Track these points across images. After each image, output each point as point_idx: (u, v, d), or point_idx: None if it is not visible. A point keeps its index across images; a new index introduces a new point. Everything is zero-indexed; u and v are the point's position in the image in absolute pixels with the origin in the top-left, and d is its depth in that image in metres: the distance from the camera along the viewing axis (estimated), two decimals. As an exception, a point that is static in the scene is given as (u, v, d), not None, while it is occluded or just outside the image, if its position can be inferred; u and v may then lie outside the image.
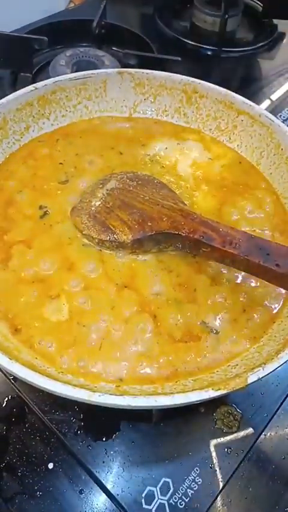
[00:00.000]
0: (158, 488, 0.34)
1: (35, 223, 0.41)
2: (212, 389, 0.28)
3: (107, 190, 0.41)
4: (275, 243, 0.34)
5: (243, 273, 0.38)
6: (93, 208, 0.40)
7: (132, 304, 0.36)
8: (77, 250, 0.39)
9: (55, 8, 0.82)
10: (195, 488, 0.34)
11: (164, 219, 0.37)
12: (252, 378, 0.29)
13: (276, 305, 0.37)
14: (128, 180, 0.42)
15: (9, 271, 0.37)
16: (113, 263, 0.38)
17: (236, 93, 0.49)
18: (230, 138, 0.50)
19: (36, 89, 0.46)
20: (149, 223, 0.37)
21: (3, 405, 0.38)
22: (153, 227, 0.37)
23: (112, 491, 0.34)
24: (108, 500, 0.34)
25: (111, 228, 0.38)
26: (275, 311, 0.37)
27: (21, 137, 0.47)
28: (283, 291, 0.38)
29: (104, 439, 0.36)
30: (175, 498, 0.34)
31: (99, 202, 0.41)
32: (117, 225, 0.38)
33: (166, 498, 0.34)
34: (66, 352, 0.34)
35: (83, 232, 0.39)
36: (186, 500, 0.34)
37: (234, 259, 0.34)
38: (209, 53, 0.76)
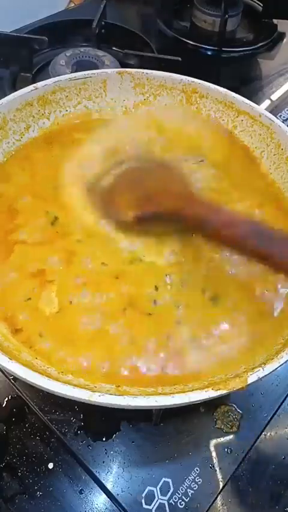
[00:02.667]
0: (158, 488, 0.34)
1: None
2: (212, 389, 0.28)
3: (121, 168, 0.42)
4: (277, 229, 0.35)
5: (244, 275, 0.38)
6: (103, 187, 0.41)
7: (126, 302, 0.36)
8: (80, 243, 0.39)
9: (55, 8, 0.82)
10: (195, 488, 0.34)
11: (169, 200, 0.38)
12: (252, 378, 0.29)
13: (277, 306, 0.37)
14: (143, 161, 0.43)
15: (7, 266, 0.37)
16: (116, 259, 0.38)
17: (236, 93, 0.48)
18: (230, 138, 0.50)
19: (36, 88, 0.46)
20: (153, 202, 0.38)
21: (3, 405, 0.38)
22: (157, 206, 0.38)
23: (112, 491, 0.34)
24: (108, 500, 0.34)
25: (116, 206, 0.39)
26: (275, 312, 0.37)
27: (21, 137, 0.47)
28: (284, 291, 0.37)
29: (104, 439, 0.36)
30: (175, 498, 0.34)
31: (111, 181, 0.42)
32: (122, 204, 0.39)
33: (166, 498, 0.34)
34: (65, 350, 0.34)
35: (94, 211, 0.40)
36: (186, 500, 0.34)
37: (233, 242, 0.35)
38: (209, 53, 0.76)
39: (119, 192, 0.41)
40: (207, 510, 0.34)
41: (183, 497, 0.34)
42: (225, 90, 0.49)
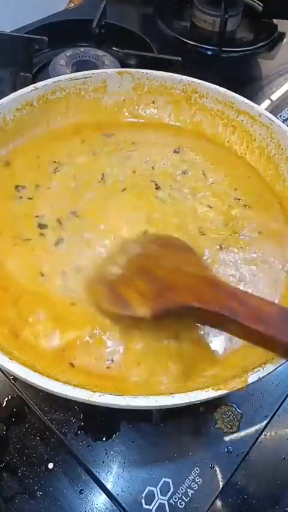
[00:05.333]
0: (158, 488, 0.34)
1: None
2: (212, 389, 0.28)
3: (128, 256, 0.37)
4: None
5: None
6: (111, 278, 0.36)
7: None
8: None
9: (55, 8, 0.82)
10: (195, 488, 0.34)
11: (187, 290, 0.32)
12: (252, 378, 0.29)
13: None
14: (150, 244, 0.38)
15: None
16: None
17: (236, 93, 0.48)
18: (230, 138, 0.50)
19: (36, 89, 0.46)
20: (171, 294, 0.32)
21: (3, 405, 0.38)
22: (176, 299, 0.32)
23: (112, 491, 0.34)
24: (108, 500, 0.34)
25: (129, 300, 0.33)
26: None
27: (21, 137, 0.47)
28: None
29: (104, 439, 0.36)
30: (175, 498, 0.34)
31: (118, 271, 0.36)
32: (135, 297, 0.33)
33: (166, 498, 0.34)
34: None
35: (101, 306, 0.35)
36: (186, 500, 0.34)
37: (261, 337, 0.28)
38: (209, 53, 0.76)
39: (131, 285, 0.34)
40: (207, 510, 0.34)
41: (183, 497, 0.34)
42: (225, 90, 0.49)
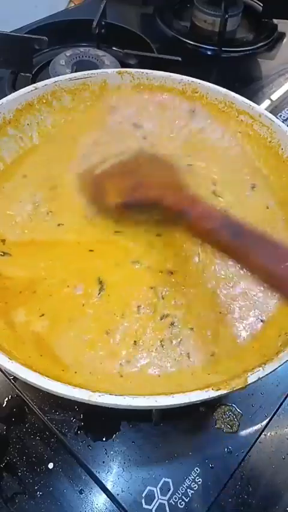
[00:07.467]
0: (158, 488, 0.34)
1: None
2: (212, 389, 0.28)
3: (121, 159, 0.43)
4: (248, 225, 0.35)
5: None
6: (99, 172, 0.42)
7: None
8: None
9: (55, 8, 0.82)
10: (195, 488, 0.34)
11: (154, 189, 0.39)
12: (252, 378, 0.29)
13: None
14: (143, 155, 0.44)
15: None
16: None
17: (236, 93, 0.48)
18: (230, 138, 0.50)
19: (36, 89, 0.46)
20: (140, 190, 0.39)
21: (3, 405, 0.38)
22: (142, 194, 0.39)
23: (112, 491, 0.34)
24: (108, 500, 0.34)
25: (104, 191, 0.40)
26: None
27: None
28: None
29: (104, 439, 0.36)
30: (175, 498, 0.34)
31: (108, 167, 0.42)
32: (110, 189, 0.40)
33: (166, 498, 0.34)
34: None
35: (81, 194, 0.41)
36: (186, 500, 0.34)
37: (207, 234, 0.36)
38: (209, 53, 0.76)
39: (111, 180, 0.41)
40: (207, 510, 0.34)
41: (183, 497, 0.34)
42: (225, 90, 0.49)
